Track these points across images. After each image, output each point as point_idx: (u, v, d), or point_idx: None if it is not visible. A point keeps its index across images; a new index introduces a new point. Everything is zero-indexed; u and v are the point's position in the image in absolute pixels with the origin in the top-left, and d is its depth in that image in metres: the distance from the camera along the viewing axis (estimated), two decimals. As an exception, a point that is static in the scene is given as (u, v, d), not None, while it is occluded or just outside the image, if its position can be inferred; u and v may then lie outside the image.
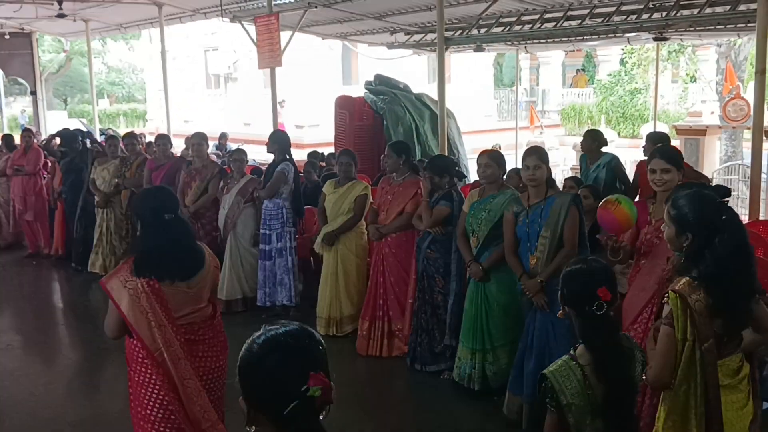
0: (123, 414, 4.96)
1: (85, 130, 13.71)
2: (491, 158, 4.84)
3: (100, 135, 15.57)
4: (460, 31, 10.76)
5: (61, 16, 12.18)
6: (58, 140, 10.36)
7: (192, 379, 3.06)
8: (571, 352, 2.63)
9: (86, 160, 8.83)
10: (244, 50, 21.87)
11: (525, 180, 4.37)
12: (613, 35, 11.18)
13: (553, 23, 9.79)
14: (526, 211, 4.34)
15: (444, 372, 5.26)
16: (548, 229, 4.21)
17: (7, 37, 16.74)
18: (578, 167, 8.98)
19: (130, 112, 36.25)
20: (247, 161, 7.70)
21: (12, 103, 34.78)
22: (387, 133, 10.35)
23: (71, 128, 10.98)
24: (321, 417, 1.57)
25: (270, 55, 9.68)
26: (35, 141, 10.34)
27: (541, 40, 12.06)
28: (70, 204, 9.01)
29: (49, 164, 9.82)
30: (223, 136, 15.38)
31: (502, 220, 4.61)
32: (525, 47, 13.99)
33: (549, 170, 4.33)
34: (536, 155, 4.28)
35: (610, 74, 28.39)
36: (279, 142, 6.80)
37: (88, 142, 10.03)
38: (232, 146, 13.85)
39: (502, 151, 6.26)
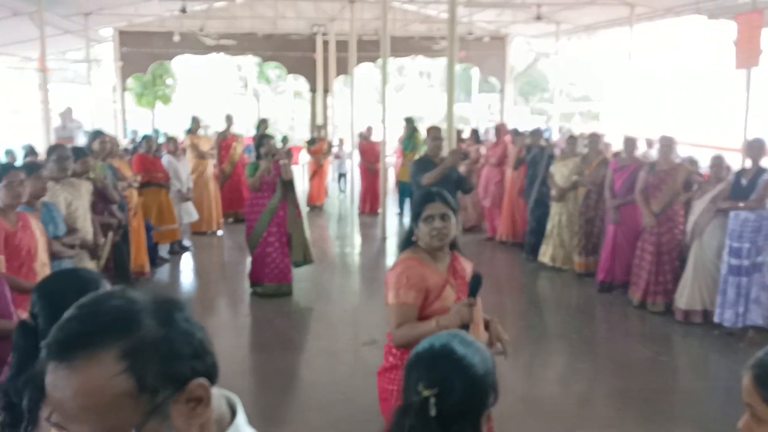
0: (555, 398, 5.22)
1: (543, 128, 14.40)
2: None
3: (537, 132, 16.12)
4: None
5: (538, 19, 12.93)
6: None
7: None
8: None
9: (545, 155, 9.28)
10: (704, 49, 20.57)
11: None
12: None
13: None
14: None
15: None
16: None
17: (486, 40, 18.43)
18: None
19: (586, 112, 36.89)
20: (727, 167, 7.21)
21: (480, 100, 38.16)
22: None
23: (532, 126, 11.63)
24: None
25: (749, 54, 8.94)
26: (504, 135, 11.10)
27: None
28: (526, 196, 9.53)
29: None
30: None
31: None
32: None
33: None
34: None
35: None
36: (761, 148, 6.27)
37: (550, 138, 10.51)
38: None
39: None
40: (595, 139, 8.65)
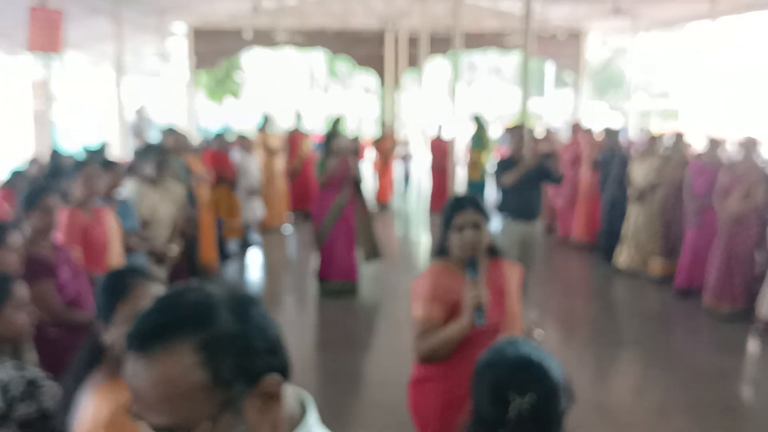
0: (629, 407, 5.04)
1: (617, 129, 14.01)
2: None
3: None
4: None
5: (615, 12, 12.54)
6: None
7: None
8: None
9: (617, 155, 8.98)
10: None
11: None
12: None
13: None
14: None
15: None
16: None
17: (560, 36, 17.96)
18: None
19: (663, 110, 35.84)
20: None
21: (553, 96, 37.52)
22: None
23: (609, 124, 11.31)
24: None
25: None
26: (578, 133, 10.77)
27: None
28: (604, 196, 9.23)
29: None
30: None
31: None
32: None
33: None
34: None
35: None
36: None
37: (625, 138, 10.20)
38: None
39: None
40: (679, 138, 8.34)
